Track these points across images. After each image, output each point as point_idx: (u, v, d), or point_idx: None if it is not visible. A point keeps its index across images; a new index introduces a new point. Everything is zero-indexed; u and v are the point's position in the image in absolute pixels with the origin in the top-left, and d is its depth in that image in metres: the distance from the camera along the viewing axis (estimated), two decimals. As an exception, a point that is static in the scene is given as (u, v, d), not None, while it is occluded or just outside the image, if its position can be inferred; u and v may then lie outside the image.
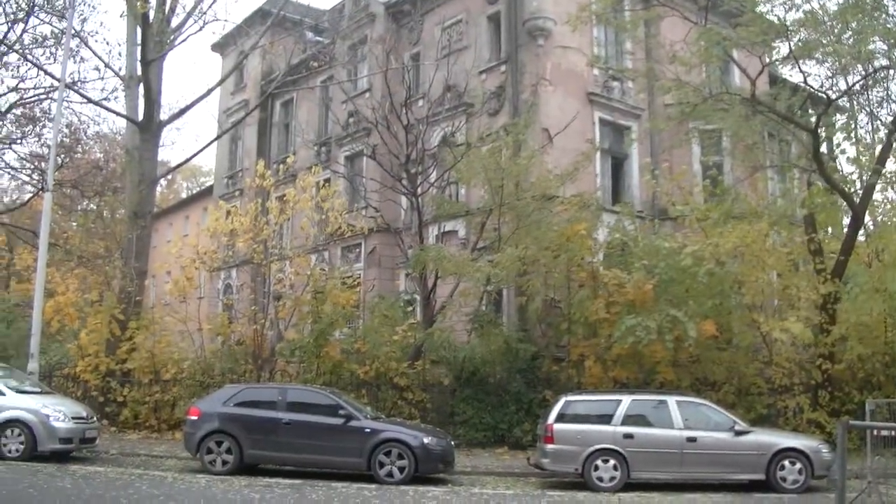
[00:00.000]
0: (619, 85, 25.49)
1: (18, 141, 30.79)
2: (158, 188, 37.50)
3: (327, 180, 26.04)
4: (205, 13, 22.29)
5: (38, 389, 16.16)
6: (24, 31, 27.89)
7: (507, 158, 20.62)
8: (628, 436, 13.59)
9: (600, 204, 21.99)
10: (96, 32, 28.60)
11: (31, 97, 29.56)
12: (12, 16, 27.30)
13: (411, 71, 24.39)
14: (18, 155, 31.48)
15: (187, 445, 14.59)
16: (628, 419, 13.83)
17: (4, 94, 29.26)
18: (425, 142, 22.47)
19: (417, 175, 21.75)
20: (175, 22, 22.09)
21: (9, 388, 15.01)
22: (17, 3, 26.10)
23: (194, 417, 14.51)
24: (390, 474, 13.51)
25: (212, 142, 27.53)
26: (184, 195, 53.52)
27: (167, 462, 15.29)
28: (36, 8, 27.32)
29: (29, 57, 27.03)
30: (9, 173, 33.19)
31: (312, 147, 30.59)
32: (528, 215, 19.76)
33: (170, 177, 52.13)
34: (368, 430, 13.94)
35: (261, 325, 20.34)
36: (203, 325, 20.95)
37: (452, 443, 14.94)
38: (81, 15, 25.98)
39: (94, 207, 32.14)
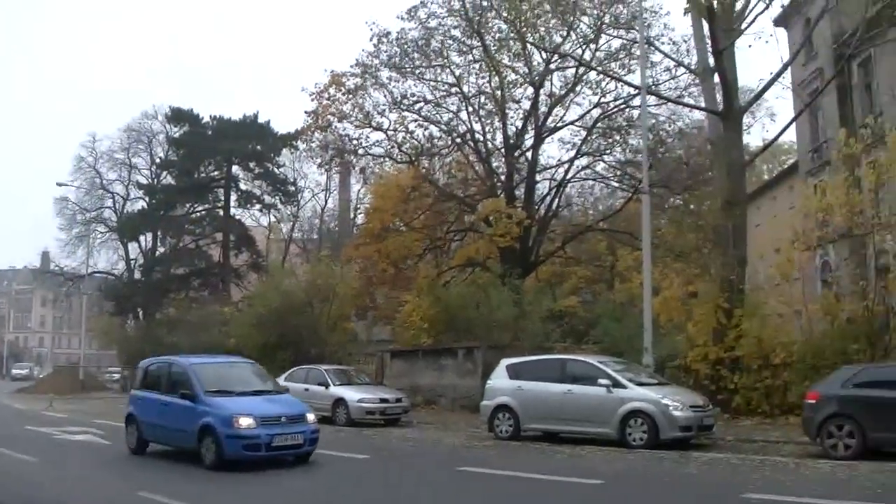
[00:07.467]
0: None
1: (607, 152, 33.65)
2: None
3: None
4: (771, -10, 21.38)
5: (655, 381, 17.12)
6: (597, 49, 30.92)
7: None
8: None
9: None
10: (662, 35, 29.40)
11: (612, 109, 32.14)
12: (583, 38, 30.57)
13: None
14: (607, 164, 34.35)
15: (806, 430, 14.14)
16: None
17: (589, 110, 32.36)
18: None
19: None
20: (739, 5, 21.65)
21: (628, 380, 16.15)
22: (588, 25, 28.91)
23: (812, 401, 14.01)
24: None
25: (794, 119, 25.74)
26: (765, 177, 51.92)
27: (785, 447, 14.90)
28: (605, 25, 30.14)
29: (607, 71, 29.74)
30: (602, 182, 36.37)
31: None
32: None
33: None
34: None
35: (871, 301, 18.69)
36: (808, 305, 20.13)
37: None
38: (646, 22, 27.46)
39: (681, 202, 32.97)
